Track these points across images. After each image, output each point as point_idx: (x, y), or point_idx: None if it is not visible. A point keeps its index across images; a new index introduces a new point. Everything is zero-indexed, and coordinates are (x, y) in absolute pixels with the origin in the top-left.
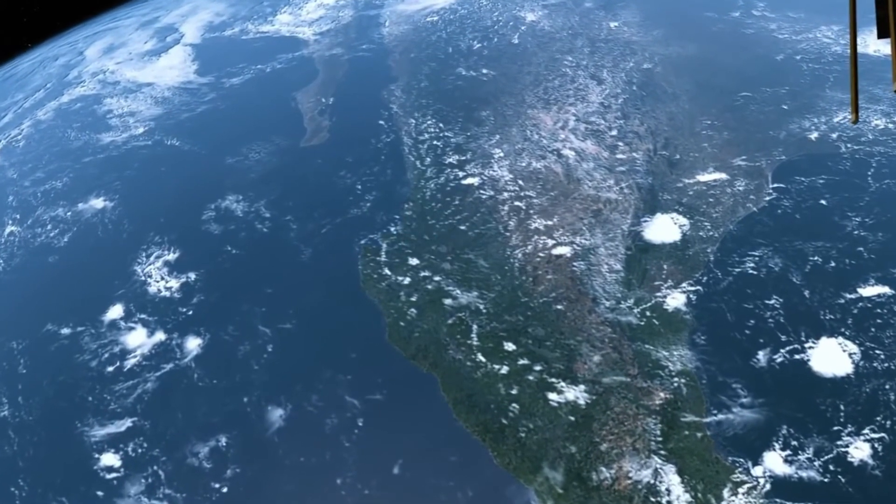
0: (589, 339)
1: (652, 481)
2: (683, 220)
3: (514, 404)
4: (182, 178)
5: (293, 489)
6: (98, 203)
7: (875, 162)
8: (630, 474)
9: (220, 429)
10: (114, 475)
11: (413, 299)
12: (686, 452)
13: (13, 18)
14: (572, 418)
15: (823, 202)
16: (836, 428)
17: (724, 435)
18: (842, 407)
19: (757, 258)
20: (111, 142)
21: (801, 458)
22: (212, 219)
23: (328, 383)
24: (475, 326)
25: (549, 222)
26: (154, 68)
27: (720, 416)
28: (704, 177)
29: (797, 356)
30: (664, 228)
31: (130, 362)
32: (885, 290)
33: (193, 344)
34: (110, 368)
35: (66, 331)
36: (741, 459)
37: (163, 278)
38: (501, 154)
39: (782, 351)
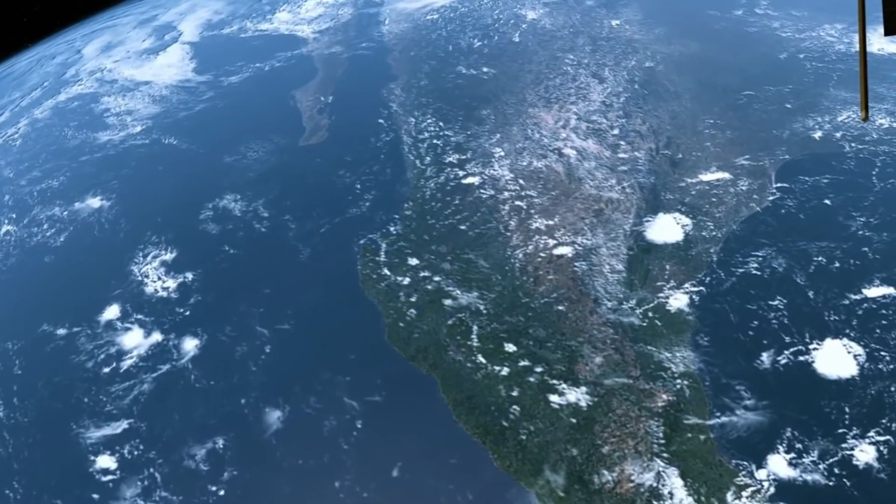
0: (590, 341)
1: (654, 484)
2: (686, 220)
3: (514, 406)
4: (180, 177)
5: (291, 492)
6: (95, 202)
7: (880, 161)
8: (632, 477)
9: (217, 431)
10: (109, 477)
11: (413, 300)
12: (689, 455)
13: (13, 18)
14: (574, 420)
15: (827, 202)
16: (840, 430)
17: (727, 437)
18: (847, 409)
19: (760, 258)
20: (108, 140)
21: (806, 460)
22: (209, 218)
23: (327, 385)
24: (475, 327)
25: (551, 222)
26: (152, 66)
27: (723, 419)
28: (707, 176)
29: (801, 358)
30: (666, 228)
31: (127, 363)
32: (890, 290)
33: (190, 345)
34: (106, 369)
35: (61, 331)
36: (745, 462)
37: (160, 278)
38: (502, 153)
39: (786, 352)
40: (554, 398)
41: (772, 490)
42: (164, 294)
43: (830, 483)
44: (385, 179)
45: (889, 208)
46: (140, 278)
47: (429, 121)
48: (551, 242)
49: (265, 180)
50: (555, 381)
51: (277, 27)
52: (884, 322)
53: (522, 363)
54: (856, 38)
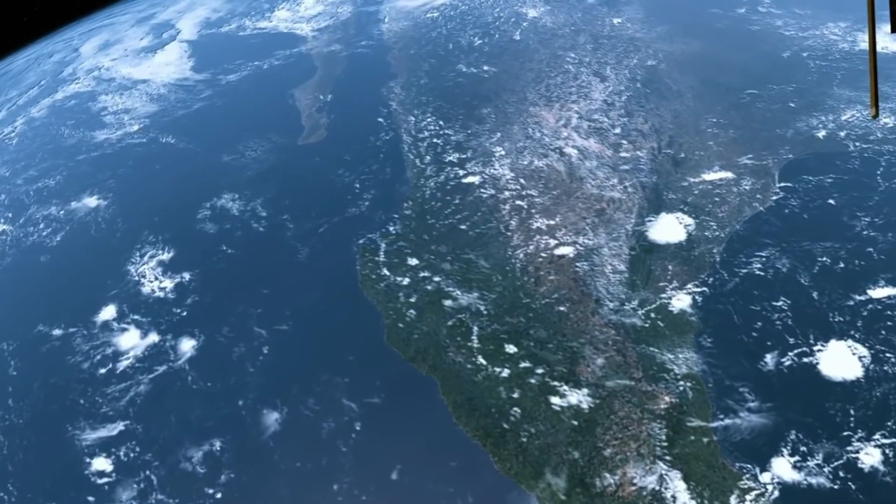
0: (592, 342)
1: (657, 488)
2: (689, 220)
3: (515, 408)
4: (177, 176)
5: (289, 495)
6: (91, 201)
7: (884, 161)
8: (634, 480)
9: (215, 433)
10: (105, 480)
11: (412, 300)
12: (692, 458)
13: (13, 17)
14: (575, 423)
15: (832, 202)
16: (845, 433)
17: (731, 440)
18: (852, 411)
19: (764, 259)
20: (105, 139)
21: (811, 464)
22: (207, 218)
23: (325, 386)
24: (476, 328)
25: (552, 222)
26: (150, 65)
27: (727, 421)
28: (710, 176)
29: (806, 359)
30: (669, 228)
31: (123, 364)
32: None
33: (187, 345)
34: (102, 370)
35: (57, 332)
36: (748, 465)
37: (157, 278)
38: (502, 152)
39: (790, 354)
40: (555, 400)
41: (776, 493)
42: (161, 294)
43: (835, 486)
44: (384, 179)
45: (894, 208)
46: (137, 278)
47: (429, 119)
48: (552, 242)
49: (263, 179)
50: (556, 383)
51: (276, 25)
52: (889, 323)
53: (523, 364)
54: (860, 36)
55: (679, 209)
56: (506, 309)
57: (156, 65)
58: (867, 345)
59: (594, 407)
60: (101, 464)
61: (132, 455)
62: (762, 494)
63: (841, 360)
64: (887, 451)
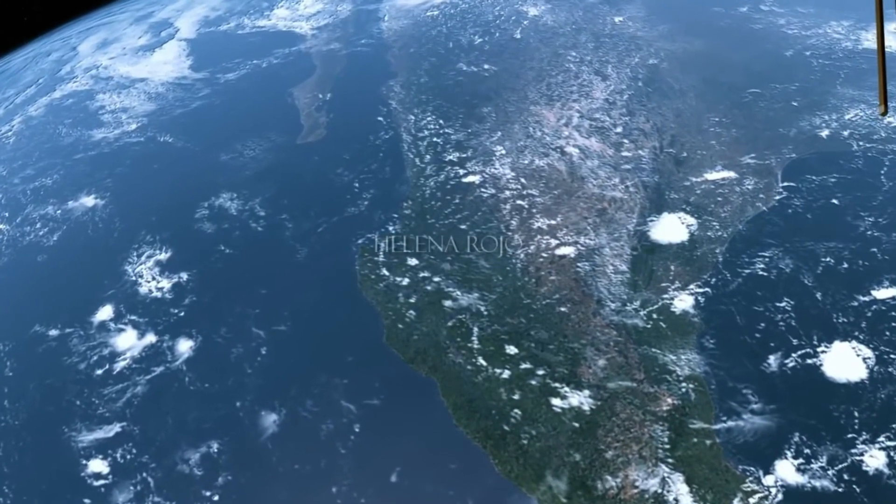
0: (593, 343)
1: (659, 490)
2: (691, 220)
3: (516, 410)
4: (175, 175)
5: (287, 497)
6: (89, 201)
7: (888, 160)
8: (636, 483)
9: (212, 434)
10: (101, 482)
11: (412, 301)
12: (694, 460)
13: (13, 17)
14: (576, 425)
15: (835, 201)
16: (850, 435)
17: (734, 442)
18: (856, 414)
19: (767, 259)
20: (103, 138)
21: (815, 466)
22: (205, 217)
23: (324, 387)
24: (476, 329)
25: (553, 222)
26: (148, 63)
27: (730, 423)
28: (712, 175)
29: (809, 361)
30: (671, 228)
31: (120, 365)
32: None
33: (185, 346)
34: (99, 371)
35: (54, 332)
36: (752, 468)
37: (154, 278)
38: (503, 151)
39: (794, 355)
40: (556, 402)
41: (779, 496)
42: (159, 294)
43: (840, 489)
44: (384, 178)
45: None
46: (134, 278)
47: (429, 118)
48: (553, 242)
49: (262, 179)
50: (557, 385)
51: (275, 24)
52: (893, 324)
53: (524, 366)
54: (863, 34)
55: (681, 209)
56: (506, 309)
57: (154, 63)
58: (871, 346)
59: (595, 409)
60: (98, 466)
61: (129, 457)
62: (765, 497)
63: (845, 362)
64: (892, 453)
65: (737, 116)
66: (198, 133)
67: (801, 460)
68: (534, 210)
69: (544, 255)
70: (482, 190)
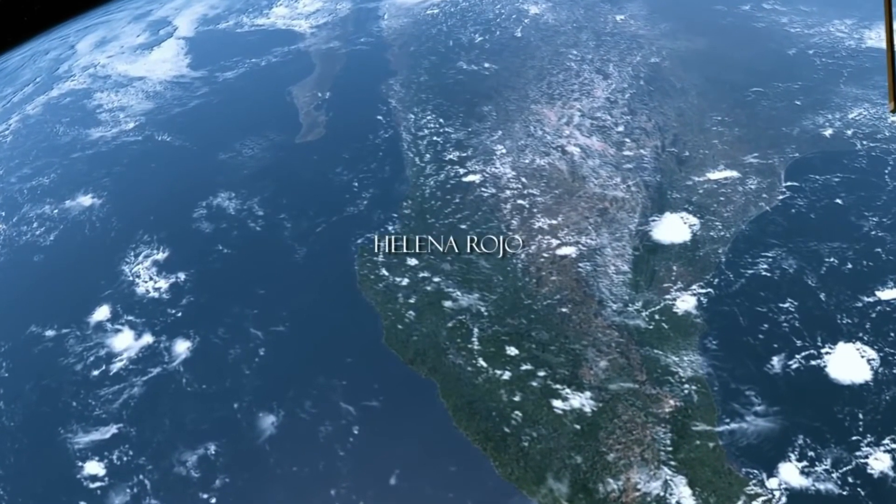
0: (595, 344)
1: (661, 493)
2: (693, 220)
3: (516, 412)
4: (173, 174)
5: (285, 500)
6: (86, 200)
7: (892, 159)
8: (638, 486)
9: (209, 436)
10: (98, 484)
11: (411, 301)
12: (697, 463)
13: (14, 16)
14: (578, 427)
15: (839, 201)
16: (854, 438)
17: (737, 445)
18: (860, 415)
19: (770, 259)
20: (100, 137)
21: (819, 469)
22: (203, 217)
23: (322, 389)
24: (476, 330)
25: (554, 221)
26: (146, 62)
27: (733, 425)
28: (715, 175)
29: (813, 362)
30: (673, 228)
31: (116, 366)
32: None
33: (182, 347)
34: (96, 372)
35: (50, 333)
36: (755, 471)
37: (151, 278)
38: (504, 150)
39: (798, 357)
40: (557, 403)
41: (783, 500)
42: (156, 295)
43: (844, 492)
44: (383, 177)
45: None
46: (131, 278)
47: (429, 117)
48: (554, 242)
49: (260, 178)
50: (558, 386)
51: (274, 22)
52: None
53: (524, 367)
54: (866, 33)
55: (683, 209)
56: (507, 310)
57: (152, 62)
58: (876, 347)
59: (597, 410)
60: (94, 468)
61: (125, 459)
62: (769, 501)
63: (849, 363)
64: None
65: (739, 115)
66: (196, 132)
67: (805, 463)
68: (535, 210)
69: (545, 255)
70: (482, 189)
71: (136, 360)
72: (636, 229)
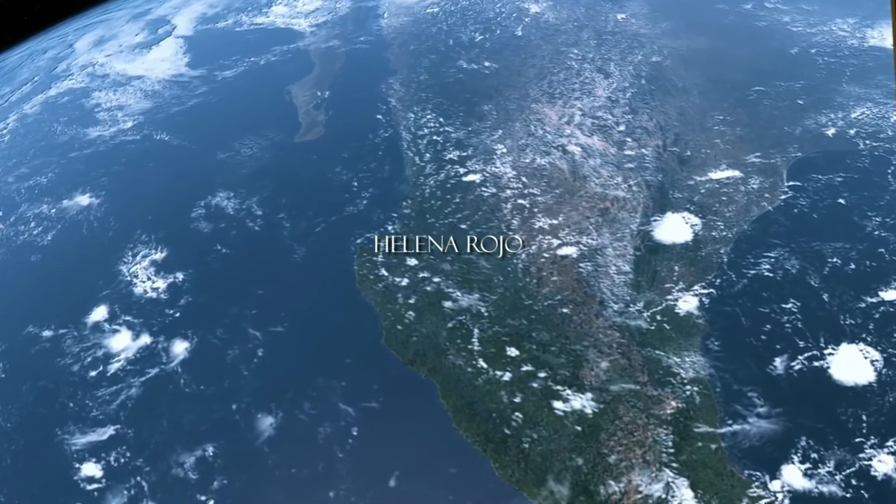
0: (596, 345)
1: (663, 496)
2: (695, 220)
3: (517, 413)
4: (171, 174)
5: (283, 502)
6: (84, 200)
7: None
8: (640, 488)
9: (207, 437)
10: (95, 486)
11: (411, 301)
12: (699, 465)
13: (14, 16)
14: (579, 428)
15: (842, 201)
16: (858, 439)
17: (739, 447)
18: (864, 417)
19: (773, 259)
20: (98, 136)
21: (822, 471)
22: (201, 216)
23: (321, 390)
24: (476, 330)
25: (554, 221)
26: (144, 61)
27: (735, 427)
28: (717, 174)
29: (816, 363)
30: (675, 228)
31: (114, 366)
32: None
33: (180, 348)
34: (93, 373)
35: (47, 333)
36: (758, 473)
37: (149, 278)
38: (504, 150)
39: (800, 358)
40: (558, 405)
41: (786, 502)
42: (154, 295)
43: (847, 495)
44: (383, 177)
45: None
46: (129, 278)
47: (428, 116)
48: (555, 242)
49: (259, 177)
50: (559, 387)
51: (273, 21)
52: None
53: (525, 368)
54: (869, 32)
55: (685, 208)
56: (507, 311)
57: (151, 61)
58: (879, 348)
59: (598, 412)
60: (91, 469)
61: (123, 460)
62: (772, 503)
63: (853, 364)
64: None
65: (741, 115)
66: (194, 131)
67: (808, 465)
68: (535, 209)
69: (546, 255)
70: (483, 189)
71: (133, 361)
72: (637, 229)
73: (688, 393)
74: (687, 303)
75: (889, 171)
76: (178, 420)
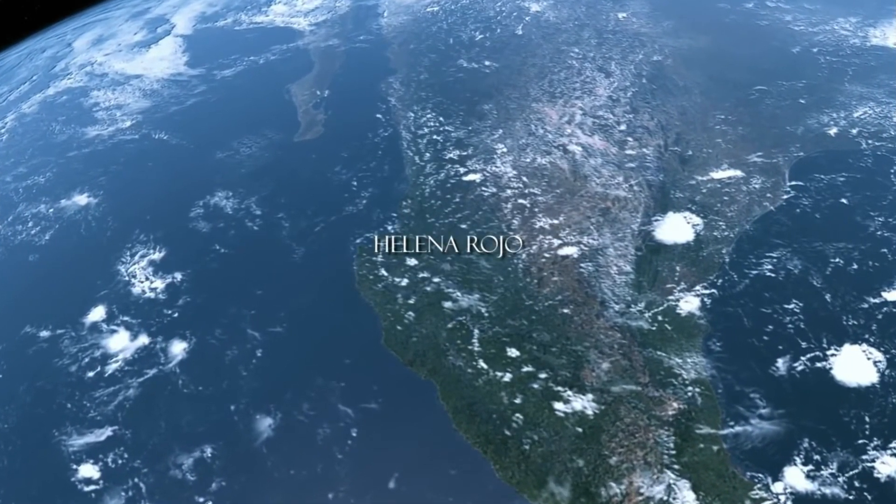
0: (597, 345)
1: (665, 497)
2: (696, 220)
3: (517, 414)
4: (170, 173)
5: (282, 503)
6: (82, 199)
7: None
8: (641, 490)
9: (206, 439)
10: (92, 487)
11: (411, 302)
12: (701, 467)
13: (14, 16)
14: (579, 429)
15: (844, 201)
16: (861, 441)
17: (741, 448)
18: (867, 418)
19: (775, 260)
20: (97, 136)
21: (825, 473)
22: (200, 216)
23: (320, 391)
24: (476, 331)
25: (555, 221)
26: (143, 60)
27: (737, 428)
28: (718, 174)
29: (819, 364)
30: (676, 228)
31: (112, 367)
32: None
33: (178, 348)
34: (91, 374)
35: (45, 333)
36: (760, 474)
37: (147, 278)
38: (504, 149)
39: (803, 358)
40: (559, 406)
41: None
42: (152, 295)
43: (850, 497)
44: (383, 176)
45: None
46: (127, 278)
47: (428, 116)
48: (556, 242)
49: (258, 177)
50: (560, 388)
51: (273, 19)
52: None
53: (526, 369)
54: (871, 31)
55: (687, 208)
56: (507, 311)
57: (149, 60)
58: (882, 349)
59: (599, 413)
60: (89, 470)
61: (120, 462)
62: None
63: (855, 365)
64: None
65: (743, 114)
66: (193, 130)
67: (810, 466)
68: (536, 209)
69: (546, 255)
70: (483, 189)
71: (131, 362)
72: (639, 229)
73: (689, 394)
74: (688, 303)
75: (892, 170)
76: (177, 421)
